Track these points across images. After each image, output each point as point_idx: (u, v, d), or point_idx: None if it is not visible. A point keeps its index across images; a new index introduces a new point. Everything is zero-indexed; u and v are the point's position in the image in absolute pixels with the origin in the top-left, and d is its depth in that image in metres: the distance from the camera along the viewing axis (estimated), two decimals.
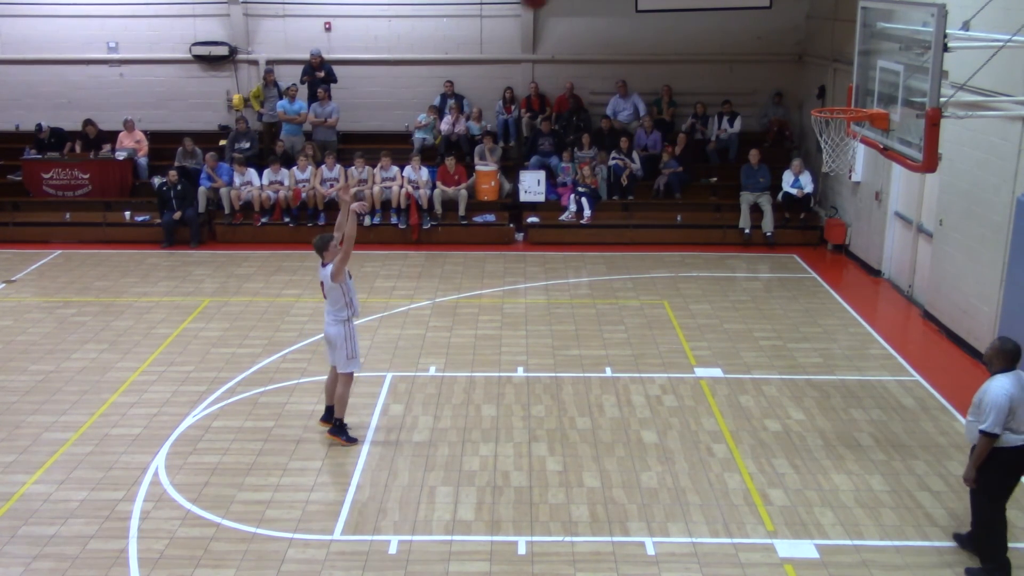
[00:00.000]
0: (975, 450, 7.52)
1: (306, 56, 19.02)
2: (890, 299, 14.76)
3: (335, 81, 18.98)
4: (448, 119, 18.76)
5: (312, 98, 18.78)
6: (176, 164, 18.01)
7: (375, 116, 19.94)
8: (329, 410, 10.01)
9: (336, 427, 9.88)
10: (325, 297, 9.67)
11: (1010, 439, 7.39)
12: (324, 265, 9.56)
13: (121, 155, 18.49)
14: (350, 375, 9.82)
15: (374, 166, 17.74)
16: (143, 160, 18.77)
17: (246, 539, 8.21)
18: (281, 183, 17.61)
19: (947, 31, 8.72)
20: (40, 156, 18.51)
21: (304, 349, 12.42)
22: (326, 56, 19.19)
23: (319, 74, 18.79)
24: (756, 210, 17.44)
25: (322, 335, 10.23)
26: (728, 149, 18.84)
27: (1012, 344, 7.51)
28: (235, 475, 9.25)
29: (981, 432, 7.41)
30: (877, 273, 15.64)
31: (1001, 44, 9.36)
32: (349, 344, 9.65)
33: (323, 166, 17.72)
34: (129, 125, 18.85)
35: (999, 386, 7.36)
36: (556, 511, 8.60)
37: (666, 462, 9.50)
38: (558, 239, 17.51)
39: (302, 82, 18.90)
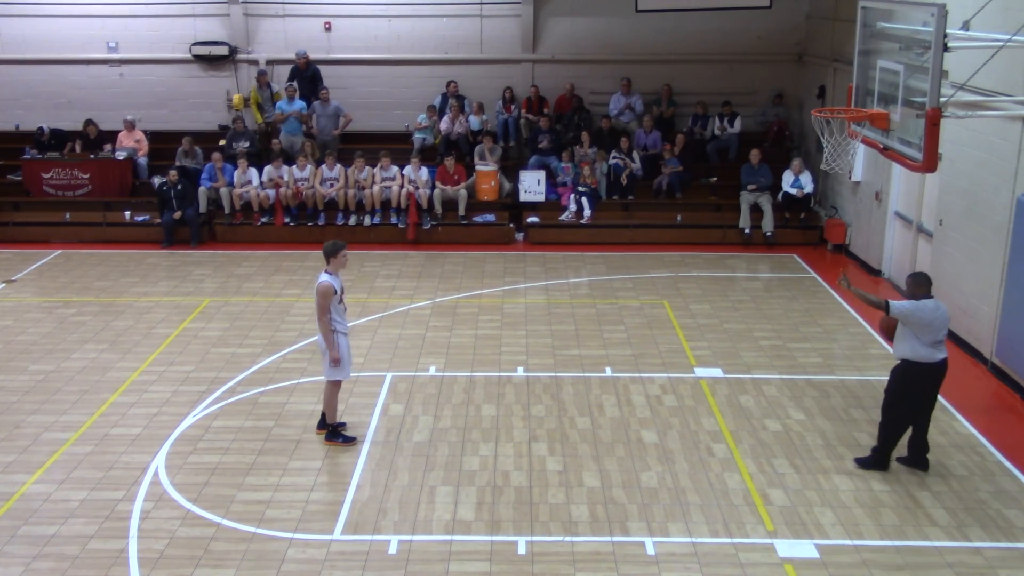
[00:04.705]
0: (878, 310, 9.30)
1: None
2: (890, 299, 14.69)
3: (320, 82, 18.95)
4: (448, 118, 18.74)
5: (304, 99, 18.75)
6: (176, 164, 18.02)
7: (375, 116, 19.92)
8: (323, 415, 10.01)
9: (331, 433, 9.88)
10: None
11: (931, 355, 8.95)
12: (325, 271, 9.55)
13: (121, 155, 18.48)
14: (336, 382, 9.80)
15: (374, 166, 17.75)
16: (143, 160, 18.77)
17: (246, 539, 8.21)
18: (281, 178, 17.61)
19: (947, 31, 8.74)
20: (40, 156, 18.50)
21: (304, 349, 12.42)
22: (327, 56, 19.20)
23: (321, 74, 18.76)
24: (756, 210, 17.44)
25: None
26: (728, 149, 18.84)
27: (926, 276, 9.17)
28: (235, 475, 9.25)
29: (888, 302, 9.01)
30: (877, 273, 15.63)
31: (1001, 44, 9.37)
32: (334, 352, 9.61)
33: (323, 166, 17.72)
34: (128, 125, 18.85)
35: (933, 302, 8.96)
36: (556, 511, 8.60)
37: (666, 462, 9.50)
38: (558, 239, 17.51)
39: (290, 82, 18.88)
